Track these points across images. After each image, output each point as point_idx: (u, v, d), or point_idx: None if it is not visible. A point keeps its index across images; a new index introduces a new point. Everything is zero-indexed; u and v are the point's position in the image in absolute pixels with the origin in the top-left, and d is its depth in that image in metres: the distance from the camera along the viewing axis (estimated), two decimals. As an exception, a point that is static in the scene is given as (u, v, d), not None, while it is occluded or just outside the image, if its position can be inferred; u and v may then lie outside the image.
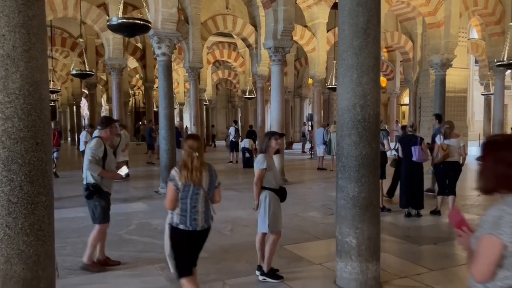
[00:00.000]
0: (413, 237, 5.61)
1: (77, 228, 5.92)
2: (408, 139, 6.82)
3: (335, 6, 13.91)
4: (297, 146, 22.22)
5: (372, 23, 3.74)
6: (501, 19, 13.11)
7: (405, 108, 27.09)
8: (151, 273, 4.29)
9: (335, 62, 14.84)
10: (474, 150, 19.77)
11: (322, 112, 20.84)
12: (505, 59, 11.45)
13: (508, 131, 26.19)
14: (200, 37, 14.45)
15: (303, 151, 19.78)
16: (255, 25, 15.32)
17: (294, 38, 16.38)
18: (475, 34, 20.84)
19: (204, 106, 24.18)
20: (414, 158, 6.63)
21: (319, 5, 15.38)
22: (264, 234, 4.09)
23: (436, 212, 6.93)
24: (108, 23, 6.59)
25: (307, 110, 29.95)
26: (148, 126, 17.30)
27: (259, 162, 4.04)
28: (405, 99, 26.29)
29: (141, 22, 6.43)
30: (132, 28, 6.58)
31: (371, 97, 3.78)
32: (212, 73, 25.71)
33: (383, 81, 26.08)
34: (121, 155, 9.06)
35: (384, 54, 22.76)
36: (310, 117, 20.95)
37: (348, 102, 3.81)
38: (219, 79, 28.77)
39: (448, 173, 6.76)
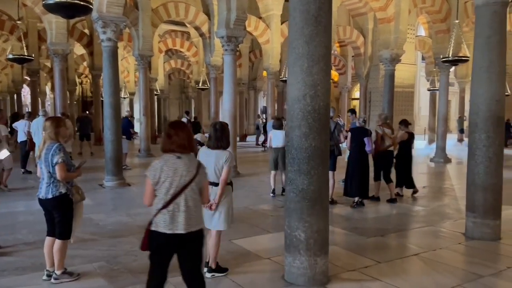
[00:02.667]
0: (360, 228, 5.63)
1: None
2: (359, 131, 7.00)
3: (289, -2, 13.82)
4: (251, 139, 22.13)
5: (323, 11, 3.62)
6: (447, 16, 13.59)
7: (356, 102, 27.71)
8: (89, 273, 3.99)
9: (288, 54, 14.79)
10: (420, 144, 20.63)
11: (276, 104, 20.86)
12: (450, 55, 11.86)
13: (452, 125, 27.55)
14: (150, 24, 13.91)
15: (257, 144, 19.72)
16: (209, 13, 14.97)
17: (248, 29, 16.21)
18: (422, 32, 21.60)
19: (156, 97, 23.48)
20: (367, 149, 6.88)
21: (274, -4, 15.26)
22: (220, 232, 3.92)
23: (392, 200, 7.32)
24: (44, 2, 6.07)
25: (262, 102, 29.93)
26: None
27: (230, 158, 3.82)
28: (356, 94, 26.88)
29: (81, 3, 5.97)
30: (71, 9, 6.10)
31: (321, 88, 3.67)
32: (164, 63, 24.97)
33: (335, 75, 26.51)
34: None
35: (336, 49, 23.11)
36: (264, 110, 20.93)
37: (298, 92, 3.69)
38: (172, 68, 28.04)
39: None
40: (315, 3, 3.57)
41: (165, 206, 2.69)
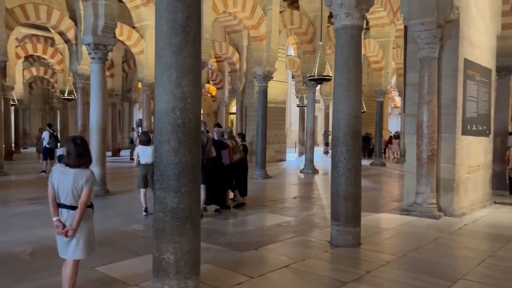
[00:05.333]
0: (235, 243, 5.59)
1: None
2: (217, 144, 7.45)
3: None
4: (125, 153, 20.96)
5: (192, 21, 3.50)
6: (312, 38, 14.75)
7: (233, 117, 28.39)
8: None
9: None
10: (292, 156, 21.85)
11: (153, 117, 20.15)
12: (315, 74, 12.83)
13: (319, 139, 29.92)
14: (4, 26, 12.28)
15: (131, 158, 18.73)
16: (75, 18, 13.85)
17: (121, 38, 15.46)
18: (292, 52, 23.16)
19: (13, 107, 20.84)
20: (224, 161, 7.51)
21: (148, 6, 14.81)
22: (78, 261, 3.45)
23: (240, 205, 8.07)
24: None
25: (137, 115, 28.74)
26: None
27: (91, 178, 3.38)
28: (234, 108, 27.56)
29: None
30: None
31: (191, 100, 3.52)
32: (24, 70, 22.41)
33: (213, 89, 26.86)
34: None
35: (213, 64, 23.43)
36: (140, 123, 20.07)
37: (167, 104, 3.48)
38: (34, 76, 25.28)
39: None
40: (183, 13, 3.43)
41: None
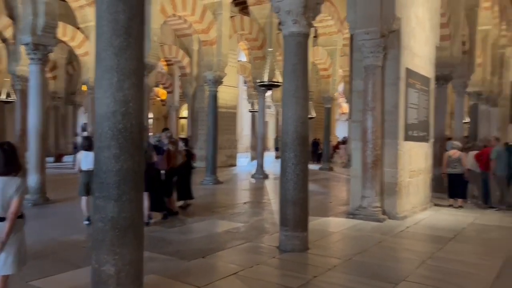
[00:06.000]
0: (182, 251, 5.44)
1: None
2: (155, 149, 7.38)
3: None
4: (68, 159, 19.98)
5: (135, 22, 3.37)
6: (263, 44, 14.86)
7: (184, 121, 27.95)
8: None
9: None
10: (243, 161, 21.86)
11: (98, 122, 19.38)
12: (265, 80, 12.92)
13: (270, 144, 30.17)
14: None
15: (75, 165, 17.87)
16: (13, 17, 13.06)
17: (65, 39, 14.80)
18: (243, 57, 23.24)
19: None
20: (157, 166, 7.34)
21: (93, 6, 14.23)
22: (7, 276, 3.18)
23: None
24: None
25: (82, 119, 27.55)
26: None
27: (22, 186, 3.13)
28: (184, 113, 27.15)
29: None
30: None
31: (133, 104, 3.38)
32: (-46, 69, 20.79)
33: (163, 93, 26.34)
34: None
35: (163, 67, 23.00)
36: (85, 127, 19.25)
37: (108, 108, 3.32)
38: (-34, 77, 23.53)
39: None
40: (125, 14, 3.29)
41: None
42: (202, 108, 18.36)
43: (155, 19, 10.99)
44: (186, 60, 19.02)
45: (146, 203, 6.33)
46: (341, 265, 4.99)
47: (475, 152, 9.68)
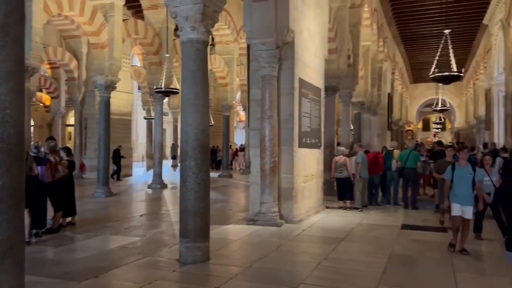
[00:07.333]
0: (72, 272, 4.96)
1: None
2: (37, 159, 6.72)
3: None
4: None
5: (13, 20, 2.98)
6: (159, 50, 14.45)
7: (71, 129, 25.87)
8: None
9: None
10: (139, 171, 20.98)
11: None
12: (162, 87, 12.57)
13: (167, 152, 29.42)
14: None
15: None
16: None
17: None
18: (137, 62, 22.39)
19: None
20: (42, 177, 6.74)
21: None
22: None
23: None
24: None
25: None
26: None
27: None
28: (71, 120, 25.13)
29: None
30: None
31: (11, 112, 2.97)
32: None
33: (47, 99, 24.13)
34: None
35: (47, 71, 21.08)
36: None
37: (-22, 116, 2.87)
38: None
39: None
40: (0, 9, 2.89)
41: None
42: (92, 115, 17.18)
43: (37, 18, 9.99)
44: (73, 64, 17.65)
45: (27, 220, 5.65)
46: (242, 273, 4.99)
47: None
